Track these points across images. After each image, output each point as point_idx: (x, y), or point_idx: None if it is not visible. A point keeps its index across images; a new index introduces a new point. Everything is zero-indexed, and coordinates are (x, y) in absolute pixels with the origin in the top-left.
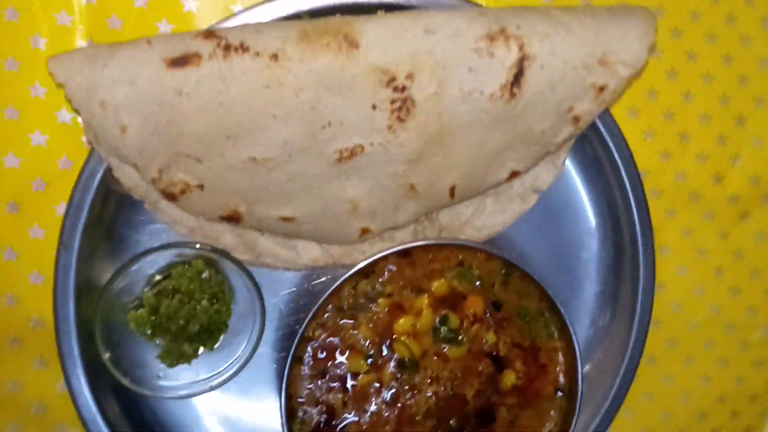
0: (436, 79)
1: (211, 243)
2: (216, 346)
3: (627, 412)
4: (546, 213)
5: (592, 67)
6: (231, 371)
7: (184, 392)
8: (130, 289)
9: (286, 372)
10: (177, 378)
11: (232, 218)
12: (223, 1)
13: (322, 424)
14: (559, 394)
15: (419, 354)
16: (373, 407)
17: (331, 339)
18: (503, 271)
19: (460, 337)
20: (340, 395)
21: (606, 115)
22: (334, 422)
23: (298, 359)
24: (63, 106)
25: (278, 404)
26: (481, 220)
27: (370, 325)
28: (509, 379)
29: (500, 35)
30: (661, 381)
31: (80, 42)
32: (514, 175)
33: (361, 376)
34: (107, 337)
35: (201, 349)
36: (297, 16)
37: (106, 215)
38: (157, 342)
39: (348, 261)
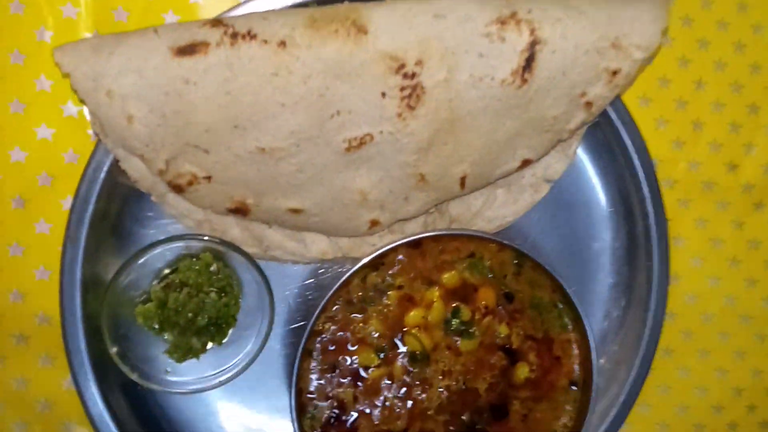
0: (446, 66)
1: (219, 236)
2: (225, 340)
3: (642, 406)
4: (558, 203)
5: (604, 50)
6: (240, 366)
7: (192, 387)
8: (138, 284)
9: (295, 366)
10: (185, 373)
11: (240, 210)
12: None
13: (332, 420)
14: (574, 387)
15: (431, 347)
16: (384, 402)
17: (341, 332)
18: (515, 261)
19: (472, 329)
20: (351, 390)
21: (618, 103)
22: (344, 417)
23: (307, 353)
24: (69, 99)
25: (288, 399)
26: (492, 211)
27: (381, 318)
28: (522, 372)
29: (511, 19)
30: (676, 374)
31: (86, 34)
32: (526, 163)
33: (371, 369)
34: (114, 332)
35: (209, 344)
36: (304, 4)
37: (113, 209)
38: (166, 337)
39: (357, 254)
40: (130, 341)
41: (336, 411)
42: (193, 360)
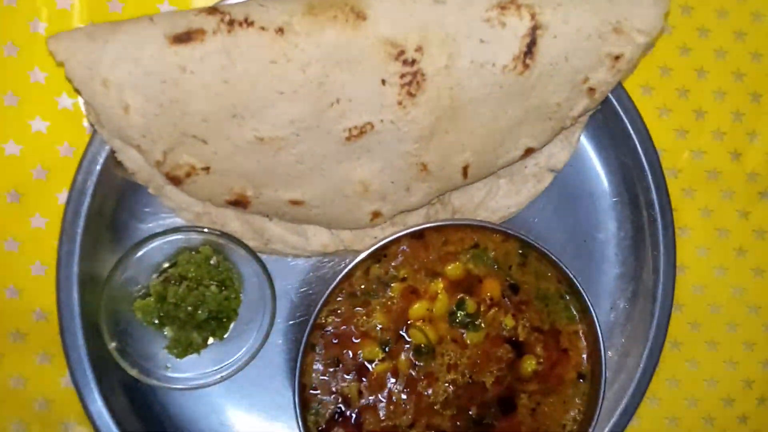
0: (447, 52)
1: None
2: (226, 335)
3: (651, 400)
4: (562, 194)
5: (606, 35)
6: (242, 361)
7: (193, 383)
8: (137, 279)
9: (299, 360)
10: (186, 369)
11: (239, 203)
12: None
13: (337, 415)
14: (582, 379)
15: (436, 340)
16: (389, 397)
17: (345, 326)
18: (520, 252)
19: (478, 321)
20: (356, 384)
21: (620, 90)
22: (349, 413)
23: (310, 347)
24: (63, 91)
25: (291, 395)
26: (495, 202)
27: (384, 311)
28: (530, 364)
29: (511, 4)
30: (685, 367)
31: (80, 26)
32: (529, 152)
33: (376, 363)
34: (113, 327)
35: (210, 340)
36: None
37: (109, 204)
38: (165, 333)
39: (359, 247)
40: (130, 337)
41: (340, 406)
42: (194, 356)
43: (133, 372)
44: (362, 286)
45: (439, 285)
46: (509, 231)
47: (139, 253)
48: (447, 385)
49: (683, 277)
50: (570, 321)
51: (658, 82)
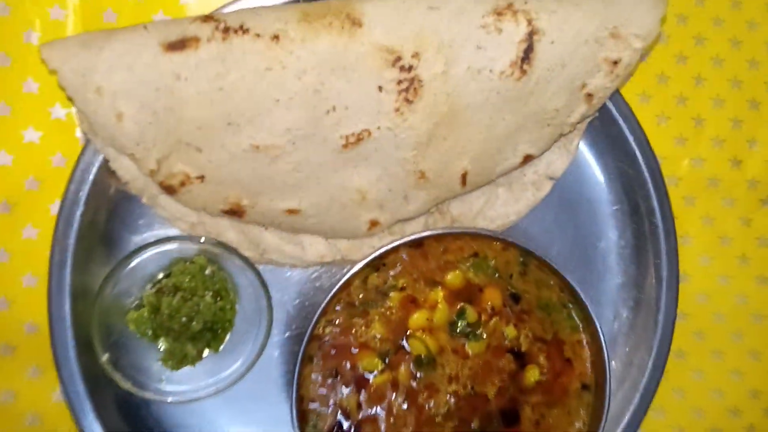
0: (443, 58)
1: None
2: (221, 347)
3: (657, 411)
4: (562, 202)
5: (603, 40)
6: (238, 373)
7: (188, 396)
8: (130, 290)
9: (296, 372)
10: (180, 382)
11: (235, 212)
12: None
13: (335, 428)
14: (586, 390)
15: (436, 350)
16: (390, 409)
17: (343, 336)
18: (521, 260)
19: (479, 331)
20: (355, 397)
21: (618, 98)
22: (348, 426)
23: (308, 359)
24: (57, 102)
25: (289, 408)
26: (494, 210)
27: (383, 321)
28: (533, 375)
29: (507, 10)
30: (691, 377)
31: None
32: (528, 159)
33: (375, 375)
34: (106, 339)
35: (206, 352)
36: (296, 1)
37: (102, 216)
38: (160, 346)
39: (356, 257)
40: (123, 349)
41: (339, 419)
42: (189, 369)
43: (126, 385)
44: (360, 296)
45: (439, 294)
46: (509, 239)
47: (132, 264)
48: (448, 396)
49: (686, 286)
50: (573, 330)
51: (656, 89)
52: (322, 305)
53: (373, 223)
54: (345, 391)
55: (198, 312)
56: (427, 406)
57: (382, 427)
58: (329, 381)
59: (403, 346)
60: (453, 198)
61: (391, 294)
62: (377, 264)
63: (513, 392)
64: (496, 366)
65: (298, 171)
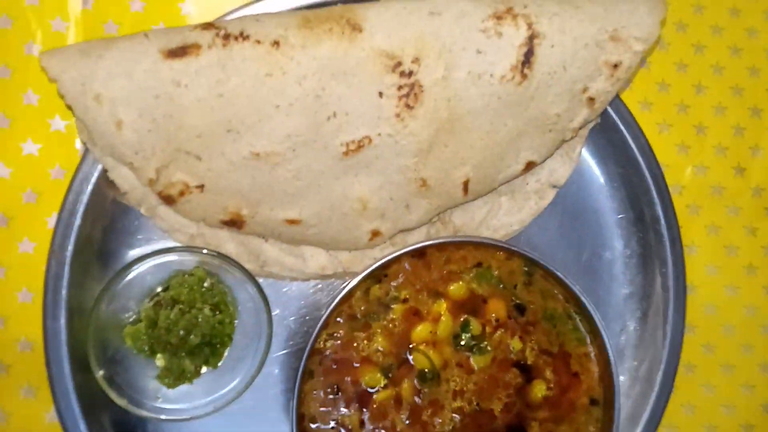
0: (444, 63)
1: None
2: (220, 363)
3: (668, 429)
4: (565, 212)
5: (604, 43)
6: (237, 390)
7: (185, 414)
8: (127, 305)
9: (296, 387)
10: (178, 400)
11: (235, 223)
12: (220, 3)
13: None
14: (595, 405)
15: (440, 364)
16: (393, 427)
17: (344, 351)
18: (525, 269)
19: (484, 344)
20: (357, 414)
21: (620, 105)
22: None
23: (309, 373)
24: (57, 114)
25: (289, 427)
26: (497, 220)
27: (386, 335)
28: (539, 390)
29: (507, 14)
30: (701, 392)
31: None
32: (530, 166)
33: (378, 390)
34: (101, 355)
35: (204, 369)
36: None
37: (99, 229)
38: (157, 363)
39: (358, 268)
40: (119, 366)
41: None
42: (186, 386)
43: (122, 402)
44: (362, 308)
45: (442, 306)
46: (513, 248)
47: (130, 277)
48: (453, 413)
49: (694, 297)
50: (580, 343)
51: (657, 97)
52: (323, 318)
53: (375, 233)
54: (347, 407)
55: (196, 325)
56: (431, 423)
57: None
58: (330, 397)
59: (406, 361)
60: (455, 207)
61: (394, 306)
62: (379, 275)
63: (520, 408)
64: (502, 380)
65: (299, 179)
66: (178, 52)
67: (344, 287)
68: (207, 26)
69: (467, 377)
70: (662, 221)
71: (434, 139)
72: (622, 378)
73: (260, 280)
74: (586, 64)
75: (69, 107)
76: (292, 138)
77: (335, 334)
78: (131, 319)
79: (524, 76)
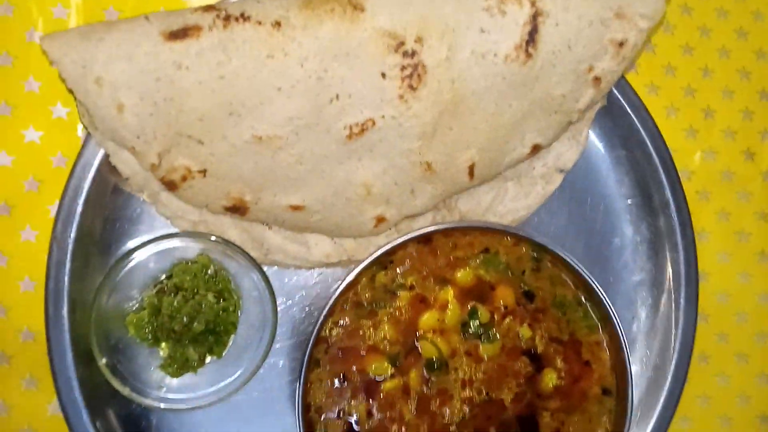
0: (447, 43)
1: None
2: (224, 353)
3: (683, 420)
4: (574, 198)
5: (608, 21)
6: (241, 380)
7: (190, 404)
8: (130, 294)
9: (301, 376)
10: (182, 390)
11: (237, 209)
12: None
13: None
14: (607, 394)
15: (448, 353)
16: (401, 417)
17: (351, 339)
18: (533, 255)
19: (492, 331)
20: (364, 404)
21: (627, 88)
22: None
23: (315, 362)
24: (58, 101)
25: (294, 418)
26: (503, 206)
27: (392, 322)
28: (550, 379)
29: None
30: (715, 382)
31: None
32: (536, 149)
33: (385, 380)
34: (104, 343)
35: (208, 359)
36: None
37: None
38: (161, 353)
39: (363, 256)
40: (122, 355)
41: (347, 429)
42: (190, 376)
43: (125, 391)
44: (368, 296)
45: (449, 293)
46: (520, 233)
47: (132, 264)
48: (462, 403)
49: (706, 285)
50: (591, 330)
51: (663, 81)
52: (329, 304)
53: (380, 219)
54: (353, 397)
55: (200, 312)
56: (440, 413)
57: None
58: (337, 386)
59: (413, 349)
60: (461, 193)
61: (400, 293)
62: (385, 261)
63: (530, 397)
64: (511, 369)
65: (301, 163)
66: (179, 34)
67: (349, 274)
68: (208, 8)
69: (476, 366)
70: (672, 205)
71: (438, 121)
72: (634, 368)
73: (265, 269)
74: (591, 43)
75: (70, 91)
76: (294, 121)
77: (341, 322)
78: (134, 309)
79: (528, 56)
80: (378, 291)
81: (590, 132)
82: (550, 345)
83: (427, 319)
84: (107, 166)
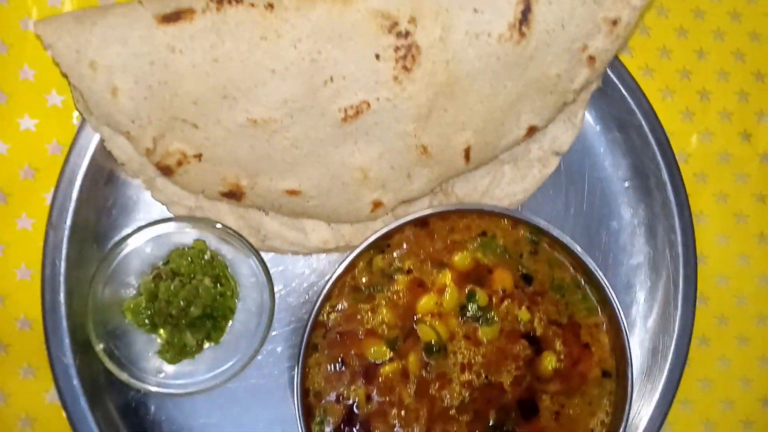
0: (441, 23)
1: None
2: (222, 338)
3: (683, 404)
4: (570, 180)
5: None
6: (239, 365)
7: (187, 389)
8: (127, 282)
9: (299, 361)
10: (180, 377)
11: (234, 194)
12: None
13: (343, 424)
14: (608, 377)
15: (447, 336)
16: (400, 401)
17: (348, 323)
18: (531, 238)
19: (491, 315)
20: (363, 388)
21: (623, 71)
22: (357, 420)
23: (313, 347)
24: (53, 89)
25: (293, 405)
26: (500, 190)
27: (390, 306)
28: (549, 362)
29: None
30: (716, 365)
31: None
32: (532, 131)
33: (384, 364)
34: (101, 330)
35: (206, 345)
36: None
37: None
38: (158, 340)
39: (360, 242)
40: (120, 341)
41: (347, 413)
42: (188, 362)
43: (123, 375)
44: (365, 280)
45: (447, 276)
46: (518, 215)
47: (128, 249)
48: (462, 387)
49: (705, 268)
50: (589, 313)
51: (658, 63)
52: (326, 288)
53: (376, 204)
54: (352, 381)
55: (197, 296)
56: (439, 397)
57: (393, 420)
58: (335, 371)
59: (411, 333)
60: (457, 177)
61: (398, 277)
62: (382, 245)
63: (530, 381)
64: (510, 352)
65: (297, 147)
66: (172, 17)
67: (346, 258)
68: None
69: (475, 349)
70: (669, 186)
71: (433, 103)
72: (633, 351)
73: (263, 255)
74: (585, 22)
75: (64, 75)
76: (288, 104)
77: (338, 307)
78: (131, 295)
79: (522, 35)
80: (375, 275)
81: (586, 115)
82: (549, 328)
83: (425, 302)
84: (103, 154)
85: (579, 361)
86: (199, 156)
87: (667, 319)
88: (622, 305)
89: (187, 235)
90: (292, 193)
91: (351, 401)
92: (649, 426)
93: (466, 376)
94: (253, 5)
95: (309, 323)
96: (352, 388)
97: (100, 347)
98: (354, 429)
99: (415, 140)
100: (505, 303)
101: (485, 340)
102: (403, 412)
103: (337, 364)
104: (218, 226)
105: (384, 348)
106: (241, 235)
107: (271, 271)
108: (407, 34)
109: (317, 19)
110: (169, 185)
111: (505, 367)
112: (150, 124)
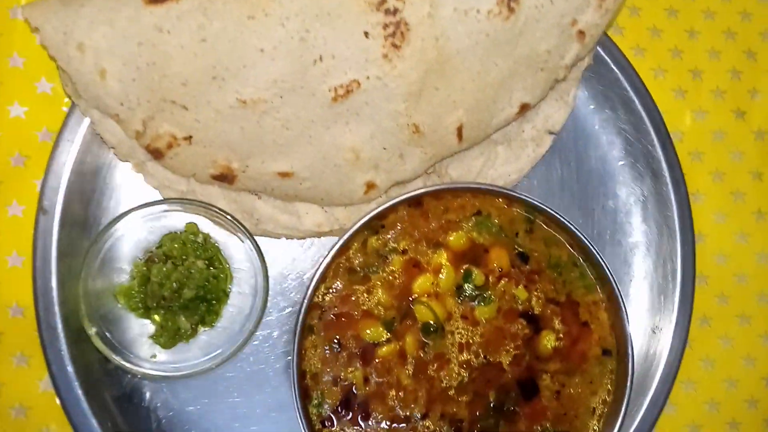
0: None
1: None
2: (216, 322)
3: (686, 383)
4: (565, 162)
5: None
6: (234, 348)
7: (182, 371)
8: (120, 267)
9: (295, 343)
10: (174, 361)
11: (225, 177)
12: None
13: (340, 406)
14: (608, 356)
15: (444, 317)
16: (398, 382)
17: (344, 304)
18: (526, 216)
19: (488, 294)
20: (360, 370)
21: (614, 49)
22: (355, 402)
23: (308, 329)
24: (42, 76)
25: (290, 386)
26: (494, 170)
27: (386, 287)
28: (549, 340)
29: None
30: (718, 345)
31: None
32: (524, 108)
33: (381, 345)
34: (94, 314)
35: (200, 330)
36: None
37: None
38: (152, 324)
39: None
40: (113, 326)
41: (345, 396)
42: (182, 346)
43: (116, 360)
44: (360, 261)
45: (443, 256)
46: (512, 193)
47: (120, 233)
48: (460, 367)
49: (703, 246)
50: (588, 291)
51: (650, 43)
52: (320, 270)
53: (370, 186)
54: (349, 363)
55: (189, 277)
56: (438, 378)
57: (391, 402)
58: (332, 353)
59: (408, 314)
60: (451, 158)
61: (393, 257)
62: (376, 226)
63: (529, 360)
64: (509, 332)
65: (288, 128)
66: None
67: (340, 239)
68: None
69: (473, 329)
70: (663, 163)
71: (424, 81)
72: (633, 331)
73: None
74: None
75: (52, 58)
76: (278, 84)
77: (333, 288)
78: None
79: (511, 10)
80: (370, 256)
81: (579, 94)
82: (547, 306)
83: (422, 283)
84: (93, 138)
85: (578, 339)
86: (189, 138)
87: (667, 297)
88: (621, 284)
89: (180, 219)
90: (284, 175)
91: (348, 383)
92: (649, 406)
93: (465, 356)
94: None
95: (304, 304)
96: (350, 369)
97: (92, 331)
98: (352, 411)
99: (407, 119)
100: (502, 282)
101: (483, 320)
102: (401, 394)
103: (334, 346)
104: (210, 207)
105: (381, 329)
106: (234, 218)
107: (265, 255)
108: (395, 11)
109: None
110: (160, 169)
111: (504, 346)
112: (139, 106)
